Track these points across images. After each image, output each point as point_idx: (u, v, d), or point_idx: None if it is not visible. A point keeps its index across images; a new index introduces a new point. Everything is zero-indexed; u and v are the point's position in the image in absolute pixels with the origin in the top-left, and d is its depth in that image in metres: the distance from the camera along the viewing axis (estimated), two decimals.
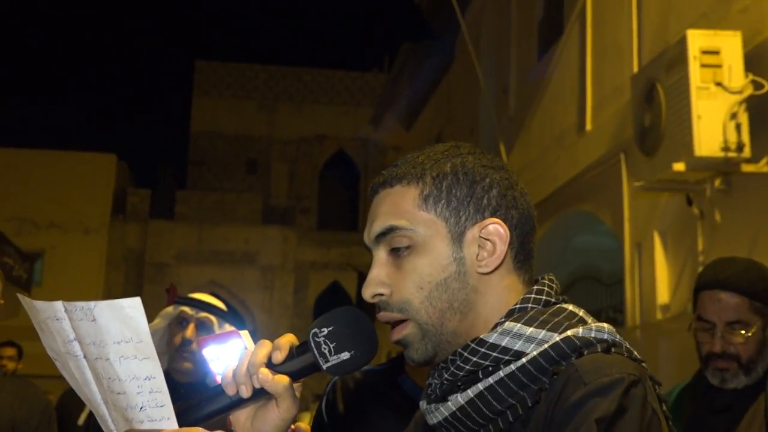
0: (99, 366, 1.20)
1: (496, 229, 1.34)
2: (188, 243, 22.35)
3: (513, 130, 10.46)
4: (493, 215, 1.34)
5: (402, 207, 1.35)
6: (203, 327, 3.26)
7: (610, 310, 8.77)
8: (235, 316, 3.45)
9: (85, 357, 1.22)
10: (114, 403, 1.22)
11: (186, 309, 3.26)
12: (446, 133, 13.80)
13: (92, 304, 1.16)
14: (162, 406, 1.18)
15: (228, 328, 3.35)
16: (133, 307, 1.15)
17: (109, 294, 20.58)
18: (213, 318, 3.28)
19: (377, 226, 1.37)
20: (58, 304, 1.20)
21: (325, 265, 23.18)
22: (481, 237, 1.34)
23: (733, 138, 5.42)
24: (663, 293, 6.85)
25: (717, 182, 5.93)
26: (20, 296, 1.28)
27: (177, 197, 23.63)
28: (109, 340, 1.17)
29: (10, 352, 7.93)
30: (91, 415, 3.30)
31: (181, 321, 3.25)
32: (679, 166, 5.65)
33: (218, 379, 1.80)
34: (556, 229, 8.99)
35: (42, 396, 2.97)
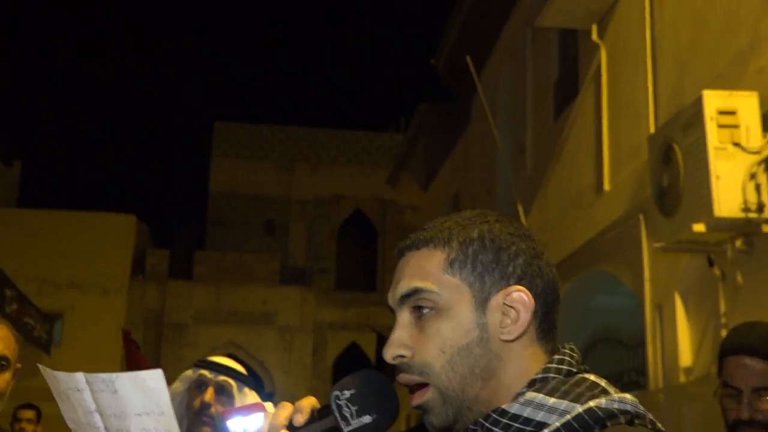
0: None
1: (521, 296, 1.33)
2: (206, 303, 22.37)
3: (530, 190, 10.46)
4: (518, 283, 1.34)
5: (428, 270, 1.35)
6: (222, 391, 3.24)
7: (632, 373, 8.66)
8: (254, 380, 3.42)
9: (105, 429, 1.21)
10: None
11: (205, 372, 3.23)
12: (464, 194, 13.82)
13: (114, 375, 1.16)
14: None
15: (247, 392, 3.33)
16: (154, 379, 1.14)
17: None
18: (232, 381, 3.26)
19: (402, 287, 1.36)
20: (80, 375, 1.20)
21: (344, 326, 23.12)
22: (505, 304, 1.33)
23: (752, 198, 5.40)
24: (685, 355, 6.77)
25: (738, 243, 5.89)
26: (41, 367, 1.28)
27: (195, 257, 23.71)
28: (131, 412, 1.16)
29: (28, 414, 7.86)
30: None
31: (200, 385, 3.21)
32: (699, 227, 5.62)
33: None
34: (576, 289, 8.93)
35: None
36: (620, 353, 9.10)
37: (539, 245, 1.39)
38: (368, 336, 22.02)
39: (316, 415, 1.28)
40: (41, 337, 16.42)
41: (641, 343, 7.73)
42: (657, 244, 6.35)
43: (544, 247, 1.41)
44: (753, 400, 2.48)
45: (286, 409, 1.28)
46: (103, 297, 21.27)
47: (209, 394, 3.19)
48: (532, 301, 1.33)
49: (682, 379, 6.77)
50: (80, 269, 20.95)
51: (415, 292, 1.34)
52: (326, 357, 22.83)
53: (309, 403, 1.29)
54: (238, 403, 3.27)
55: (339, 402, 1.27)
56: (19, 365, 2.84)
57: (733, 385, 2.50)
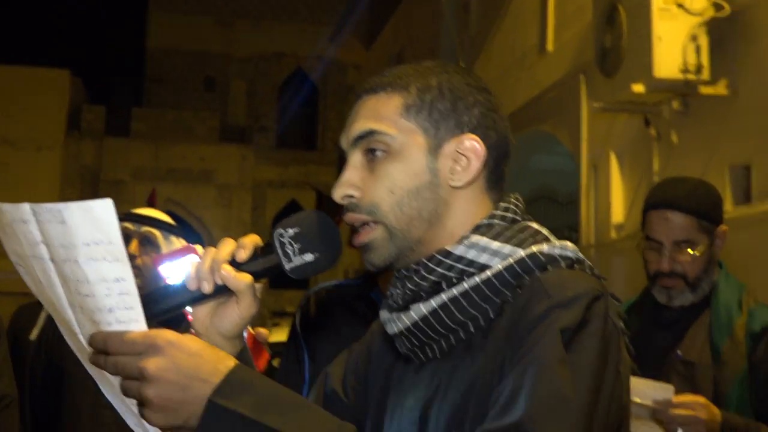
0: (67, 268, 1.18)
1: (473, 145, 1.35)
2: (144, 160, 22.15)
3: (474, 49, 10.40)
4: (472, 132, 1.36)
5: (383, 113, 1.36)
6: (147, 242, 3.19)
7: (566, 230, 8.88)
8: (184, 230, 3.39)
9: (51, 260, 1.19)
10: (81, 306, 1.20)
11: (128, 225, 3.16)
12: (407, 52, 13.68)
13: (62, 205, 1.13)
14: (131, 309, 1.16)
15: (174, 240, 3.28)
16: (104, 208, 1.12)
17: None
18: (156, 231, 3.20)
19: (356, 128, 1.37)
20: (25, 206, 1.17)
21: (283, 184, 23.11)
22: (457, 152, 1.35)
23: (692, 60, 5.44)
24: (618, 213, 6.94)
25: (675, 104, 5.97)
26: None
27: (133, 114, 23.30)
28: (79, 242, 1.14)
29: None
30: (43, 329, 3.27)
31: (124, 237, 3.18)
32: (638, 88, 5.67)
33: None
34: (515, 148, 8.89)
35: None
36: (555, 211, 9.32)
37: (495, 99, 1.41)
38: (308, 194, 22.13)
39: (259, 252, 1.29)
40: None
41: (576, 201, 7.90)
42: (596, 104, 6.41)
43: (500, 102, 1.42)
44: (673, 252, 2.56)
45: (230, 244, 1.29)
46: (38, 153, 20.92)
47: (134, 246, 3.15)
48: (484, 150, 1.35)
49: (613, 235, 6.96)
50: (13, 125, 20.48)
51: (369, 133, 1.35)
52: (265, 214, 22.89)
53: (252, 240, 1.30)
54: (165, 251, 3.25)
55: (282, 239, 1.28)
56: None
57: (655, 238, 2.58)
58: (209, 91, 25.62)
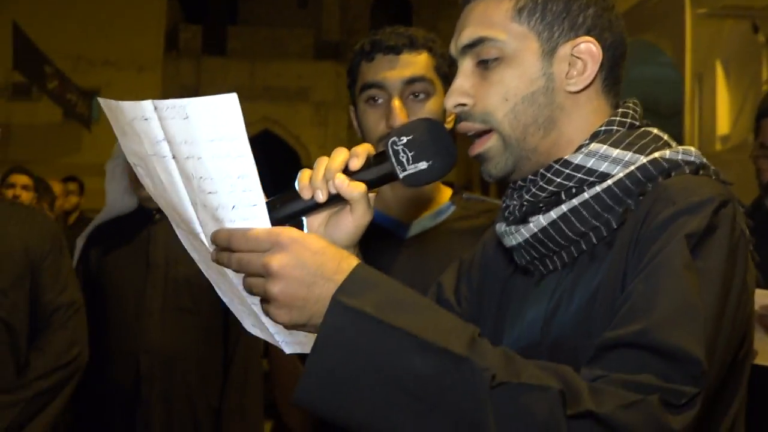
0: (189, 165, 1.17)
1: (589, 48, 1.31)
2: (241, 79, 22.30)
3: None
4: (587, 34, 1.31)
5: (494, 18, 1.31)
6: None
7: None
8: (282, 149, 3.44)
9: (174, 157, 1.18)
10: (204, 204, 1.20)
11: None
12: None
13: (185, 101, 1.11)
14: (254, 205, 1.16)
15: None
16: (229, 103, 1.10)
17: None
18: None
19: (465, 36, 1.34)
20: (148, 103, 1.14)
21: None
22: (572, 55, 1.31)
23: None
24: (723, 124, 6.76)
25: None
26: (101, 99, 1.21)
27: (228, 33, 23.44)
28: (202, 138, 1.13)
29: (72, 186, 8.10)
30: (80, 256, 3.41)
31: None
32: None
33: None
34: None
35: (52, 224, 3.02)
36: (658, 123, 9.00)
37: (611, 1, 1.35)
38: None
39: (372, 161, 1.27)
40: (83, 113, 16.63)
41: (679, 113, 7.70)
42: (700, 10, 6.21)
43: (614, 2, 1.37)
44: None
45: (343, 153, 1.27)
46: (138, 73, 21.24)
47: None
48: (600, 53, 1.31)
49: (719, 147, 6.80)
50: (114, 46, 20.80)
51: (480, 41, 1.32)
52: None
53: (365, 148, 1.28)
54: None
55: (396, 147, 1.26)
56: None
57: None
58: (302, 8, 25.55)
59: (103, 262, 3.31)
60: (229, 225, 1.18)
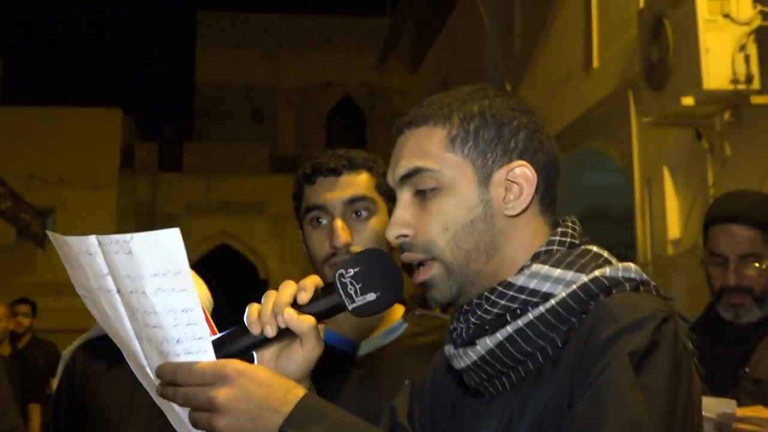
0: (134, 299, 1.17)
1: (524, 171, 1.32)
2: (197, 194, 22.36)
3: (519, 70, 10.39)
4: (520, 158, 1.33)
5: (428, 148, 1.33)
6: None
7: (621, 246, 8.79)
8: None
9: (118, 291, 1.19)
10: (148, 338, 1.20)
11: None
12: (452, 76, 13.70)
13: (128, 236, 1.13)
14: (200, 339, 1.16)
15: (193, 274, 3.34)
16: (171, 238, 1.12)
17: None
18: None
19: (402, 167, 1.35)
20: (92, 238, 1.16)
21: None
22: (508, 180, 1.33)
23: (741, 70, 5.39)
24: (674, 228, 6.86)
25: (726, 115, 5.91)
26: (50, 233, 1.24)
27: (184, 149, 23.59)
28: (146, 273, 1.14)
29: (24, 308, 8.02)
30: (60, 379, 3.34)
31: None
32: (687, 101, 5.63)
33: None
34: (566, 167, 8.93)
35: None
36: (610, 228, 9.21)
37: (539, 119, 1.38)
38: None
39: (320, 293, 1.28)
40: (37, 232, 16.49)
41: (630, 218, 7.82)
42: (646, 119, 6.37)
43: (544, 120, 1.40)
44: (739, 267, 2.51)
45: (291, 287, 1.28)
46: (94, 192, 21.21)
47: None
48: (535, 175, 1.33)
49: (671, 251, 6.88)
50: (69, 165, 20.81)
51: (416, 171, 1.33)
52: None
53: (312, 281, 1.29)
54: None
55: (343, 280, 1.27)
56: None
57: (720, 253, 2.54)
58: (258, 123, 25.86)
59: (88, 382, 3.19)
60: (173, 359, 1.18)
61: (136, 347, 1.24)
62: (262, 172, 23.20)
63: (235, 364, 1.15)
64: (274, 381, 1.15)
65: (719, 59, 5.41)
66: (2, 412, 2.76)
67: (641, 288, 1.27)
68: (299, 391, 1.15)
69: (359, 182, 2.03)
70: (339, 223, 1.98)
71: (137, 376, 1.34)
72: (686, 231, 6.68)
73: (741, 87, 5.37)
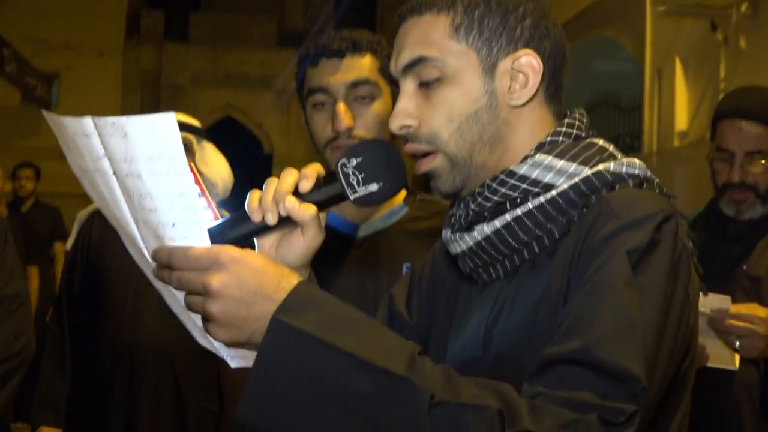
0: (129, 183, 1.17)
1: (529, 61, 1.31)
2: (203, 66, 22.13)
3: None
4: (525, 46, 1.31)
5: (432, 37, 1.32)
6: (184, 148, 3.22)
7: (627, 137, 8.76)
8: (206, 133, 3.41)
9: (114, 174, 1.19)
10: (144, 221, 1.20)
11: None
12: None
13: (124, 119, 1.12)
14: (194, 224, 1.17)
15: (205, 144, 3.32)
16: (166, 122, 1.11)
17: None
18: (191, 137, 3.24)
19: (405, 56, 1.34)
20: (87, 120, 1.15)
21: None
22: (513, 69, 1.31)
23: None
24: (682, 120, 6.82)
25: (743, 7, 5.80)
26: (46, 113, 1.24)
27: (191, 19, 23.26)
28: (141, 156, 1.13)
29: (27, 172, 8.04)
30: (76, 239, 3.35)
31: None
32: None
33: None
34: (576, 53, 8.84)
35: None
36: (617, 117, 9.16)
37: (545, 5, 1.36)
38: None
39: (322, 182, 1.28)
40: (43, 97, 16.41)
41: (639, 108, 7.77)
42: (660, 8, 6.26)
43: (552, 4, 1.38)
44: (745, 163, 2.50)
45: (292, 174, 1.27)
46: (99, 58, 20.98)
47: None
48: (541, 64, 1.31)
49: (677, 143, 6.86)
50: (74, 30, 20.52)
51: (419, 60, 1.32)
52: None
53: (314, 169, 1.28)
54: (199, 157, 3.28)
55: (345, 170, 1.27)
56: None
57: (726, 148, 2.52)
58: None
59: (104, 247, 3.19)
60: (169, 243, 1.18)
61: (134, 230, 1.25)
62: (268, 45, 22.92)
63: (230, 251, 1.15)
64: (268, 268, 1.15)
65: None
66: (9, 277, 2.79)
67: (644, 185, 1.27)
68: (293, 279, 1.15)
69: (363, 65, 2.01)
70: (341, 107, 1.97)
71: (135, 259, 1.35)
72: (694, 123, 6.65)
73: None
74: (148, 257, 1.25)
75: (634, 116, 8.29)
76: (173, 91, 21.86)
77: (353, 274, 2.01)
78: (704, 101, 6.46)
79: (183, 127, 3.24)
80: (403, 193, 2.14)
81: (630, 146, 8.48)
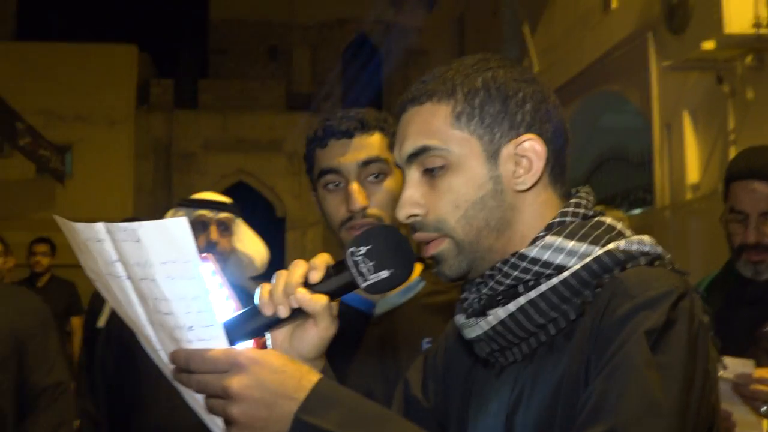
0: (144, 286, 1.17)
1: (532, 145, 1.31)
2: (213, 132, 22.31)
3: (536, 10, 10.25)
4: (527, 131, 1.32)
5: (434, 126, 1.32)
6: (224, 227, 3.24)
7: (639, 191, 8.76)
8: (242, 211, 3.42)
9: (128, 278, 1.19)
10: (161, 324, 1.20)
11: (204, 212, 3.21)
12: (468, 15, 13.55)
13: (136, 225, 1.12)
14: (211, 326, 1.16)
15: (240, 223, 3.35)
16: (179, 227, 1.11)
17: (140, 185, 20.72)
18: (231, 215, 3.28)
19: (409, 146, 1.34)
20: (100, 226, 1.16)
21: None
22: (517, 154, 1.31)
23: (764, 14, 5.33)
24: (693, 173, 6.82)
25: (748, 59, 5.84)
26: (57, 218, 1.24)
27: (200, 86, 23.50)
28: (155, 261, 1.13)
29: (43, 248, 8.04)
30: (110, 316, 3.34)
31: (200, 225, 3.21)
32: (708, 45, 5.57)
33: None
34: (583, 110, 8.90)
35: (38, 302, 2.93)
36: (627, 172, 9.16)
37: (545, 87, 1.36)
38: None
39: (332, 272, 1.28)
40: (57, 168, 16.55)
41: (648, 162, 7.78)
42: (665, 63, 6.31)
43: (549, 89, 1.38)
44: (760, 223, 2.49)
45: (301, 266, 1.28)
46: (110, 128, 21.19)
47: (214, 233, 3.20)
48: (544, 148, 1.32)
49: (689, 196, 6.85)
50: (85, 101, 20.75)
51: (422, 150, 1.32)
52: None
53: (323, 260, 1.29)
54: (235, 236, 3.30)
55: (355, 258, 1.27)
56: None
57: (741, 210, 2.51)
58: (273, 60, 25.69)
59: None
60: (186, 345, 1.18)
61: (150, 332, 1.25)
62: (278, 109, 23.10)
63: (248, 352, 1.15)
64: (288, 367, 1.15)
65: (741, 3, 5.34)
66: (50, 366, 2.77)
67: (656, 263, 1.27)
68: (313, 377, 1.16)
69: (372, 144, 2.02)
70: (355, 186, 1.97)
71: (153, 359, 1.34)
72: (705, 176, 6.65)
73: (763, 31, 5.31)
74: (166, 360, 1.24)
75: (645, 170, 8.30)
76: (185, 158, 22.02)
77: (372, 352, 2.01)
78: (714, 153, 6.48)
79: (222, 206, 3.27)
80: (419, 267, 2.14)
81: (642, 200, 8.48)
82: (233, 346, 1.20)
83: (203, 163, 21.73)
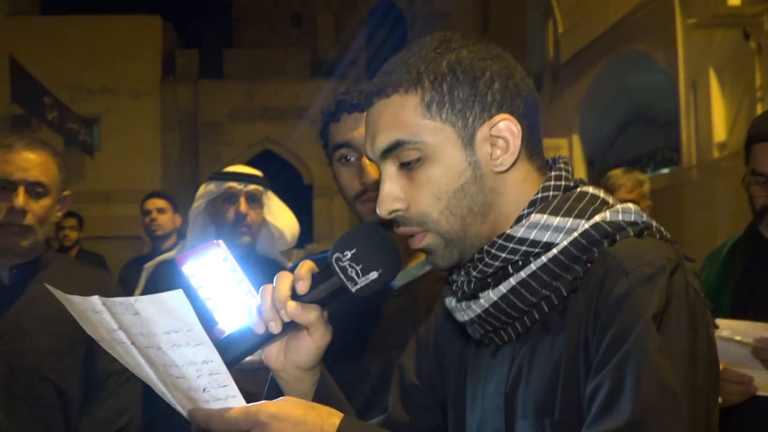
0: (152, 354, 1.17)
1: (507, 125, 1.28)
2: (239, 101, 22.32)
3: None
4: (499, 110, 1.28)
5: (404, 118, 1.28)
6: (253, 199, 3.27)
7: (666, 150, 8.68)
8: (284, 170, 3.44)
9: (133, 344, 1.18)
10: (174, 386, 1.20)
11: (234, 184, 3.23)
12: None
13: (132, 299, 1.11)
14: (225, 386, 1.16)
15: (271, 195, 3.36)
16: (176, 299, 1.09)
17: (167, 156, 20.81)
18: (260, 188, 3.30)
19: (381, 141, 1.30)
20: (95, 299, 1.14)
21: None
22: (492, 136, 1.28)
23: None
24: (719, 131, 6.75)
25: None
26: (51, 288, 1.21)
27: (224, 55, 23.49)
28: (158, 331, 1.13)
29: (71, 222, 8.06)
30: (144, 290, 3.35)
31: (230, 197, 3.23)
32: (734, 0, 5.47)
33: (201, 293, 1.78)
34: (609, 69, 8.81)
35: (113, 286, 2.90)
36: (654, 131, 9.08)
37: (510, 61, 1.32)
38: None
39: (318, 279, 1.27)
40: (85, 141, 16.69)
41: (675, 120, 7.70)
42: (691, 20, 6.22)
43: (514, 61, 1.34)
44: None
45: (287, 278, 1.27)
46: (137, 100, 21.28)
47: (244, 205, 3.22)
48: (518, 126, 1.28)
49: (716, 154, 6.79)
50: (111, 74, 20.83)
51: (396, 145, 1.28)
52: None
53: (307, 269, 1.28)
54: (266, 208, 3.32)
55: (342, 264, 1.25)
56: (67, 192, 2.80)
57: (762, 172, 2.48)
58: (297, 27, 25.62)
59: None
60: (203, 405, 1.18)
61: (163, 389, 1.24)
62: (302, 76, 23.06)
63: (267, 408, 1.16)
64: (308, 416, 1.16)
65: None
66: (122, 410, 2.75)
67: (645, 233, 1.26)
68: (335, 419, 1.16)
69: None
70: (367, 160, 1.98)
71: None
72: (732, 134, 6.57)
73: None
74: (184, 414, 1.24)
75: (671, 129, 8.21)
76: (211, 128, 22.07)
77: (394, 323, 2.02)
78: (741, 110, 6.40)
79: (251, 178, 3.29)
80: None
81: (669, 159, 8.41)
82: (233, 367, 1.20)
83: (229, 132, 21.78)
